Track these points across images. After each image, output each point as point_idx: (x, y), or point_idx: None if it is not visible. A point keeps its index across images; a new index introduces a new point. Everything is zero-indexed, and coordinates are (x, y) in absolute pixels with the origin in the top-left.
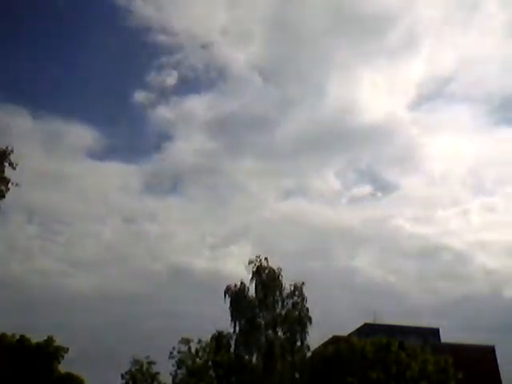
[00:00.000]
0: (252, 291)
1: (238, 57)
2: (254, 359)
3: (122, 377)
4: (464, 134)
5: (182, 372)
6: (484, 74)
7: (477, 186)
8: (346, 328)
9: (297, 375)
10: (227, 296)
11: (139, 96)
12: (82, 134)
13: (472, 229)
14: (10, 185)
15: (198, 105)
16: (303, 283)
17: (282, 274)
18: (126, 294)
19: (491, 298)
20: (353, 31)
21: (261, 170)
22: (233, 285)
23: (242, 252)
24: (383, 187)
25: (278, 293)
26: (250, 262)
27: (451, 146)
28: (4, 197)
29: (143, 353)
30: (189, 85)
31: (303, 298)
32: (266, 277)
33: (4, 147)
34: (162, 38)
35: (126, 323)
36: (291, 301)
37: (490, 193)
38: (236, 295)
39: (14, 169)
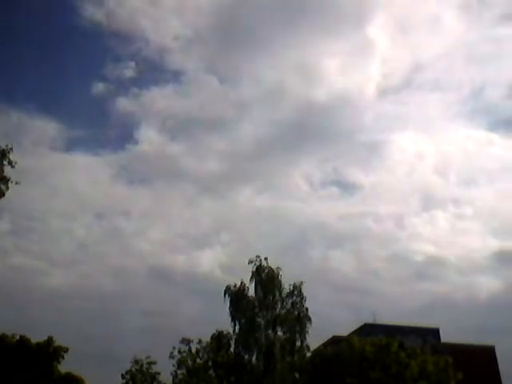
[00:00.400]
0: (252, 291)
1: (193, 60)
2: (254, 359)
3: (123, 377)
4: (431, 131)
5: (182, 372)
6: (450, 66)
7: (445, 185)
8: (327, 326)
9: (297, 375)
10: (227, 296)
11: (98, 87)
12: (43, 127)
13: (442, 230)
14: (9, 183)
15: (157, 103)
16: (302, 283)
17: (281, 273)
18: (105, 293)
19: (467, 301)
20: (307, 28)
21: (225, 171)
22: (232, 284)
23: (215, 253)
24: (349, 187)
25: (277, 292)
26: (250, 262)
27: (417, 143)
28: (4, 195)
29: (131, 351)
30: (147, 79)
31: (302, 298)
32: (265, 276)
33: (4, 146)
34: (114, 42)
35: (113, 321)
36: (290, 300)
37: (459, 192)
38: (235, 295)
39: (13, 167)
